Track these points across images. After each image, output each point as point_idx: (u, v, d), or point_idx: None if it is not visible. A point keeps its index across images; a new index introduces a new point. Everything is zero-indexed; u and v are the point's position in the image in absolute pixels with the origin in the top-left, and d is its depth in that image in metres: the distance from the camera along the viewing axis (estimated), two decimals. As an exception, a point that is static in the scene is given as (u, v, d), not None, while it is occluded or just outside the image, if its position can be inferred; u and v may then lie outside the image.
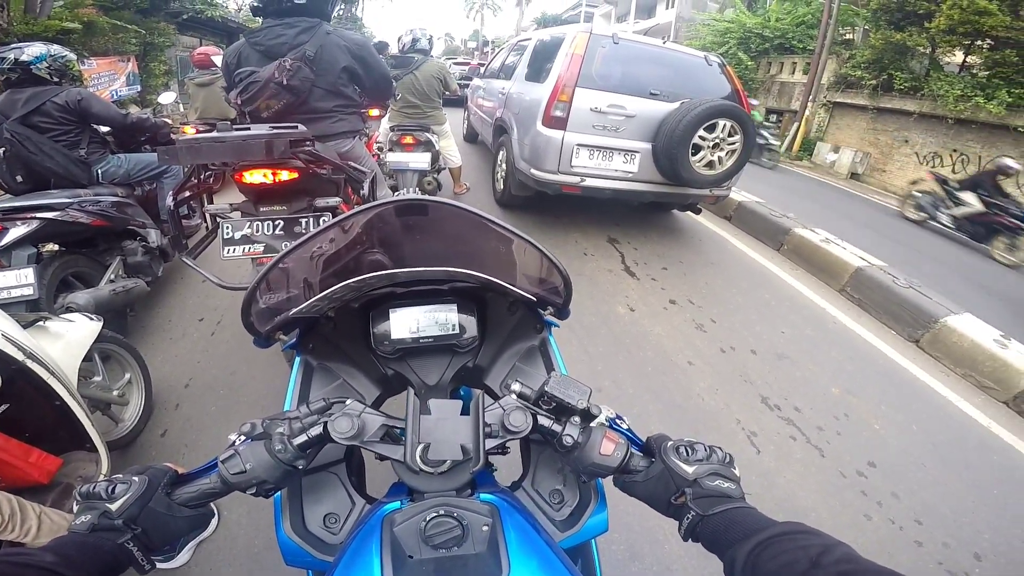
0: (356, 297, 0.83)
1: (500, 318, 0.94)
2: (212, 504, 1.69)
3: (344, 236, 0.81)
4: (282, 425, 0.59)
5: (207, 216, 2.28)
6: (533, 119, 3.67)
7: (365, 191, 2.14)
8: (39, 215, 2.08)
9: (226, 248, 1.84)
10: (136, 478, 0.55)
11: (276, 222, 1.87)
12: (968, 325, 3.06)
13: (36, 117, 2.31)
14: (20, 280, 1.93)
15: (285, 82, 1.99)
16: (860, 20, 10.56)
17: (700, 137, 3.46)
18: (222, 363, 2.34)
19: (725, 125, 3.48)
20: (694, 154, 3.50)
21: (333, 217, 1.84)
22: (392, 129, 3.92)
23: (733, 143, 3.57)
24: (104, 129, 2.67)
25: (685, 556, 1.63)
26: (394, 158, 3.67)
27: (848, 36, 11.35)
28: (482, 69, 6.49)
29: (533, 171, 3.71)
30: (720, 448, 0.61)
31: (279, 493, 0.69)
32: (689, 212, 4.57)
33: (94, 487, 0.54)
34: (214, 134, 1.74)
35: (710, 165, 3.59)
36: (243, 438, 0.59)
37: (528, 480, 0.78)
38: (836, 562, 0.43)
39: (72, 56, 2.50)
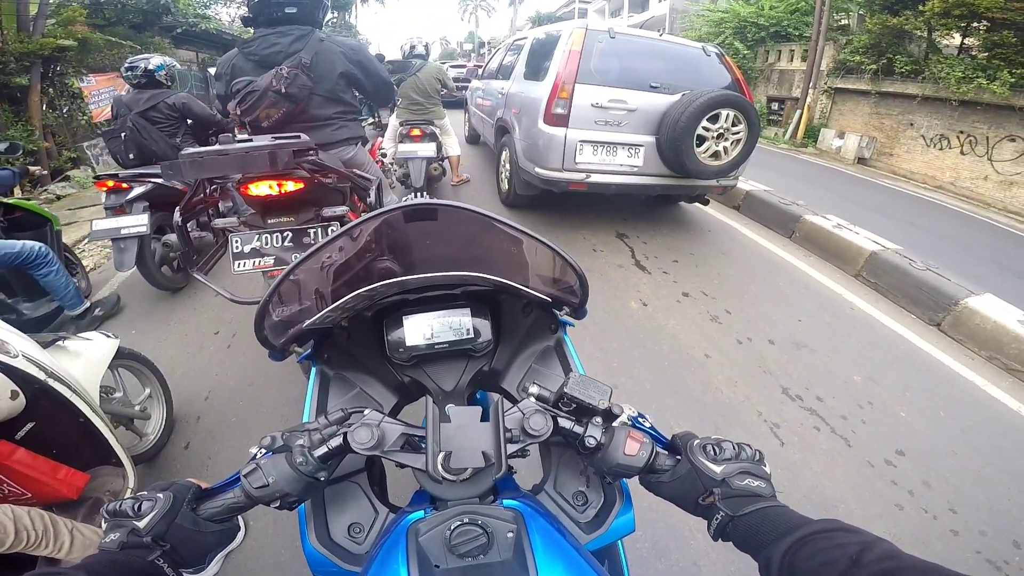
0: (368, 306, 0.83)
1: (514, 320, 0.93)
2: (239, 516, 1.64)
3: (353, 244, 0.81)
4: (302, 437, 0.59)
5: (215, 231, 2.27)
6: (534, 118, 3.65)
7: (372, 198, 2.11)
8: (153, 180, 2.83)
9: (236, 262, 1.83)
10: (161, 495, 0.55)
11: (285, 233, 1.85)
12: (990, 306, 2.99)
13: (150, 112, 3.05)
14: (138, 222, 2.68)
15: (283, 90, 1.99)
16: (854, 5, 10.50)
17: (704, 128, 3.45)
18: (240, 374, 2.34)
19: (728, 115, 3.47)
20: (699, 145, 3.48)
21: (341, 226, 1.81)
22: (401, 124, 4.42)
23: (738, 132, 3.55)
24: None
25: (712, 552, 1.61)
26: (405, 148, 4.10)
27: (844, 21, 11.25)
28: (479, 71, 6.50)
29: (538, 169, 3.69)
30: (749, 445, 0.60)
31: (303, 504, 0.69)
32: (697, 204, 4.54)
33: (120, 504, 0.54)
34: (217, 147, 1.72)
35: (715, 155, 3.57)
36: (264, 451, 0.59)
37: (550, 483, 0.77)
38: (877, 559, 0.41)
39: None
